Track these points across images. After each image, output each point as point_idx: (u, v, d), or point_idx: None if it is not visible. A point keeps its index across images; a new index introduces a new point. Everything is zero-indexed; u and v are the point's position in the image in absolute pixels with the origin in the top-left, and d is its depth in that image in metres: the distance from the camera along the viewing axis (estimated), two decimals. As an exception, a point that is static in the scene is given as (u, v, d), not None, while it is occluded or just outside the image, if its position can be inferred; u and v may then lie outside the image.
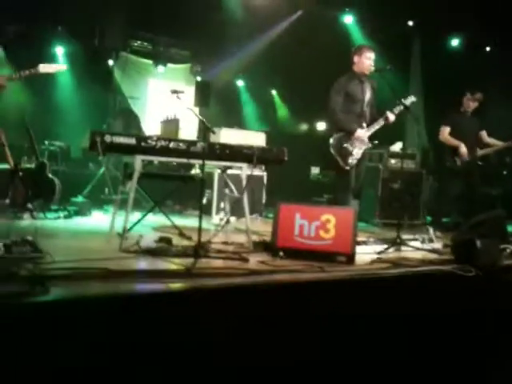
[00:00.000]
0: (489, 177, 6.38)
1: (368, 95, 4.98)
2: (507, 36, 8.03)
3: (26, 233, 3.21)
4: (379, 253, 4.09)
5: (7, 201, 5.03)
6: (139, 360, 2.37)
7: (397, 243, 4.35)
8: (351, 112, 4.92)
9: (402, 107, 4.78)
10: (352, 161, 4.86)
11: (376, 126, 4.93)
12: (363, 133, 4.88)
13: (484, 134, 6.08)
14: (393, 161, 6.70)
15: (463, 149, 5.84)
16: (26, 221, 4.85)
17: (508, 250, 4.25)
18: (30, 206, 5.03)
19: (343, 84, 4.91)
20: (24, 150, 5.53)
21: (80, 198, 5.92)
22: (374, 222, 6.49)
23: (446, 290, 3.41)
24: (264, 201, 6.53)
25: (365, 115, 4.97)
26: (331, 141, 4.89)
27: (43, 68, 3.57)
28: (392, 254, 4.17)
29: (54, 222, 4.96)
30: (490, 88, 6.83)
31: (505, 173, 7.79)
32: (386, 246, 4.28)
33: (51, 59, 7.63)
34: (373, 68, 4.89)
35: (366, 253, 4.07)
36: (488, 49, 9.27)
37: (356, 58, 4.94)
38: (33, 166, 5.38)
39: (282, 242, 3.69)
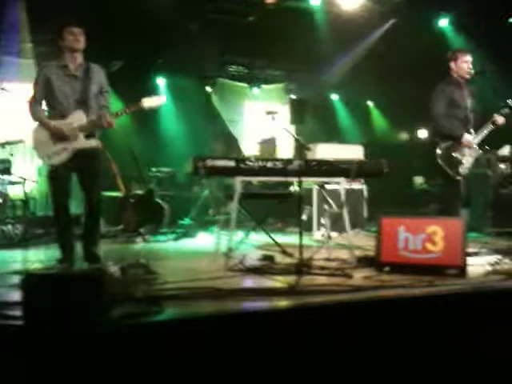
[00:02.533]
0: None
1: (469, 100, 4.75)
2: None
3: (139, 256, 3.41)
4: (493, 264, 3.85)
5: (120, 226, 5.39)
6: (253, 376, 2.41)
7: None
8: (456, 118, 4.72)
9: (509, 108, 4.51)
10: (463, 170, 4.65)
11: (484, 131, 4.68)
12: (471, 139, 4.65)
13: None
14: (502, 165, 6.30)
15: None
16: (138, 245, 5.16)
17: None
18: (141, 230, 5.34)
19: (445, 90, 4.73)
20: (133, 178, 5.89)
21: (186, 221, 6.19)
22: (486, 231, 6.12)
23: None
24: (366, 214, 6.40)
25: (469, 121, 4.74)
26: (438, 151, 4.69)
27: (146, 103, 3.81)
28: (507, 264, 3.91)
29: (164, 244, 5.23)
30: None
31: None
32: (500, 257, 4.02)
33: (153, 91, 8.10)
34: (472, 71, 4.67)
35: (479, 264, 3.84)
36: None
37: (453, 64, 4.75)
38: (142, 192, 5.72)
39: (386, 257, 3.60)
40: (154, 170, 6.98)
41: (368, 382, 2.63)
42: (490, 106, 4.75)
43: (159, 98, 3.94)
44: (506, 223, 5.76)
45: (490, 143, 6.41)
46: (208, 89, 9.35)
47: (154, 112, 8.42)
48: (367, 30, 8.72)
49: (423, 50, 7.89)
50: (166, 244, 5.24)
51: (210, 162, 3.84)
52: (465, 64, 4.69)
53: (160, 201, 5.82)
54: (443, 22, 8.57)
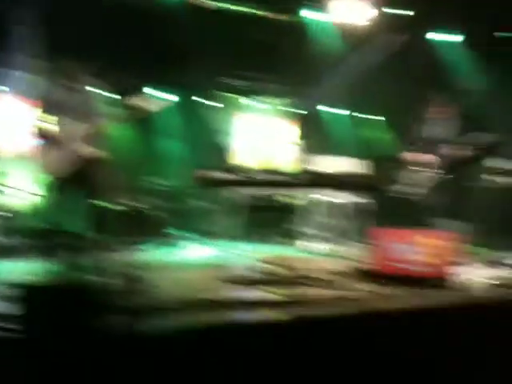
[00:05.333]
0: None
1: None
2: None
3: (132, 267, 3.41)
4: (487, 275, 3.86)
5: (114, 237, 5.37)
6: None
7: (506, 265, 4.09)
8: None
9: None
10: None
11: None
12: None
13: None
14: (499, 178, 6.31)
15: None
16: (132, 256, 5.14)
17: None
18: (136, 241, 5.33)
19: None
20: (130, 190, 5.89)
21: (183, 232, 6.19)
22: (483, 243, 6.11)
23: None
24: (363, 227, 6.39)
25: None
26: None
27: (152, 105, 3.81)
28: (501, 276, 3.91)
29: (159, 255, 5.22)
30: None
31: None
32: (494, 269, 4.04)
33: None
34: None
35: (471, 276, 3.85)
36: None
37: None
38: (138, 204, 5.72)
39: (380, 268, 3.62)
40: (150, 181, 6.98)
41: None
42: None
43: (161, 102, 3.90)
44: (500, 235, 5.76)
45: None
46: (207, 102, 9.40)
47: (150, 124, 8.50)
48: (369, 44, 8.76)
49: (426, 67, 7.93)
50: (162, 255, 5.24)
51: (208, 174, 3.87)
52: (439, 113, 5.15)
53: (156, 212, 5.84)
54: (449, 38, 8.52)
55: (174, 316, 2.66)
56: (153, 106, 3.93)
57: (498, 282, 3.63)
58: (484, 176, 6.33)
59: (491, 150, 5.51)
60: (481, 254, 5.09)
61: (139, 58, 7.11)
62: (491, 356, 2.89)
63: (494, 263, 4.21)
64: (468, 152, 5.08)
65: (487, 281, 3.70)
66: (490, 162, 6.39)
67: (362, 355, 2.68)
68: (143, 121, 3.90)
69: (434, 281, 3.50)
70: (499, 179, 6.26)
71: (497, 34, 7.55)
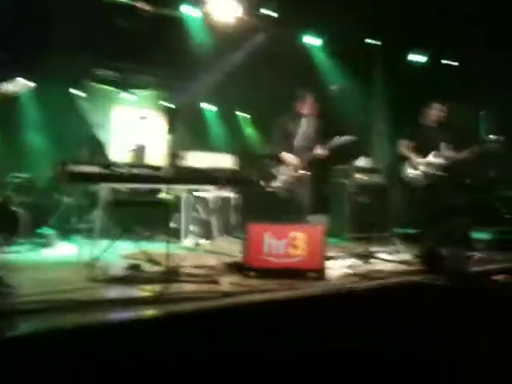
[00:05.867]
0: (453, 187, 6.51)
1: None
2: (469, 51, 8.29)
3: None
4: (349, 267, 4.13)
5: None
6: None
7: (366, 256, 4.41)
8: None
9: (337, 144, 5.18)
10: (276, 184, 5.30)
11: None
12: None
13: (443, 145, 6.17)
14: (358, 175, 6.80)
15: (416, 160, 5.93)
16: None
17: (474, 257, 4.36)
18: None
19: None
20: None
21: (46, 229, 5.81)
22: (345, 237, 6.55)
23: (416, 299, 3.46)
24: (236, 222, 6.51)
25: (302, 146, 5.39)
26: None
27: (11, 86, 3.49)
28: (363, 267, 4.22)
29: (20, 255, 4.86)
30: (454, 102, 7.00)
31: (468, 182, 7.99)
32: (356, 260, 4.33)
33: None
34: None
35: (337, 268, 4.10)
36: (451, 63, 9.53)
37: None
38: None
39: (252, 262, 3.70)
40: (11, 175, 6.47)
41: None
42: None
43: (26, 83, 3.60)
44: (362, 229, 6.22)
45: (349, 155, 6.94)
46: (75, 92, 8.91)
47: (12, 114, 7.87)
48: (241, 42, 8.93)
49: (292, 66, 8.27)
50: (23, 254, 4.87)
51: (73, 167, 3.66)
52: (305, 107, 5.38)
53: (16, 208, 5.41)
54: (310, 40, 9.03)
55: (40, 317, 2.48)
56: (12, 90, 3.60)
57: (363, 274, 3.88)
58: (350, 174, 6.81)
59: (351, 149, 5.88)
60: (347, 247, 5.45)
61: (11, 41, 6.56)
62: (354, 342, 3.09)
63: (359, 256, 4.50)
64: (328, 150, 5.29)
65: (353, 272, 3.96)
66: (355, 161, 6.88)
67: (232, 347, 2.71)
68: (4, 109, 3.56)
69: (306, 273, 3.65)
70: (361, 176, 6.74)
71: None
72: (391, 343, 3.23)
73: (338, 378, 2.96)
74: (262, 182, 5.27)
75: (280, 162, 5.36)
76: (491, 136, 6.15)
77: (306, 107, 5.42)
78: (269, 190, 5.26)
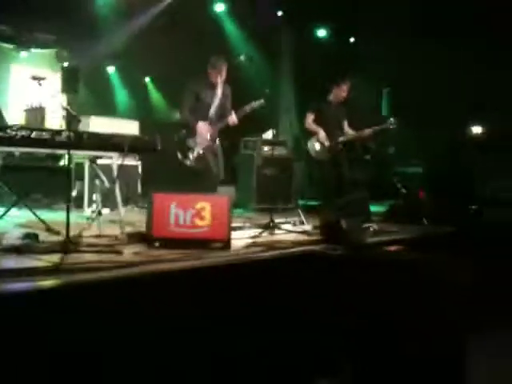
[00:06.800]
0: (354, 162, 6.79)
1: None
2: (370, 27, 8.59)
3: None
4: (253, 237, 4.21)
5: None
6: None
7: (270, 227, 4.51)
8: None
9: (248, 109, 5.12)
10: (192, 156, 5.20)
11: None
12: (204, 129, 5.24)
13: (345, 123, 6.39)
14: (266, 148, 6.90)
15: (321, 134, 6.11)
16: None
17: (371, 229, 4.60)
18: None
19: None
20: None
21: None
22: (251, 207, 6.66)
23: (315, 268, 3.60)
24: (140, 191, 6.38)
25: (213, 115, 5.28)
26: None
27: None
28: (266, 237, 4.32)
29: None
30: (356, 77, 7.25)
31: (368, 158, 8.39)
32: (260, 231, 4.42)
33: None
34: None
35: (242, 238, 4.16)
36: (353, 39, 9.85)
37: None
38: None
39: (157, 232, 3.65)
40: None
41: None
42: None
43: None
44: (267, 201, 6.35)
45: (257, 128, 7.00)
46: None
47: None
48: (147, 4, 8.62)
49: (200, 31, 8.14)
50: None
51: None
52: (218, 76, 5.18)
53: None
54: (219, 8, 8.92)
55: None
56: None
57: (266, 244, 3.97)
58: (258, 146, 6.88)
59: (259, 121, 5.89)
60: (253, 218, 5.54)
61: None
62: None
63: (263, 226, 4.59)
64: (240, 118, 5.19)
65: (257, 242, 4.04)
66: (263, 134, 6.96)
67: (139, 318, 2.68)
68: None
69: (211, 243, 3.66)
70: (268, 149, 6.84)
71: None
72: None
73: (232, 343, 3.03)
74: (179, 155, 5.12)
75: (193, 131, 5.22)
76: (392, 116, 6.47)
77: (221, 75, 5.26)
78: (187, 163, 5.13)
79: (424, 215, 5.42)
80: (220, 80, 5.21)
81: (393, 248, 4.26)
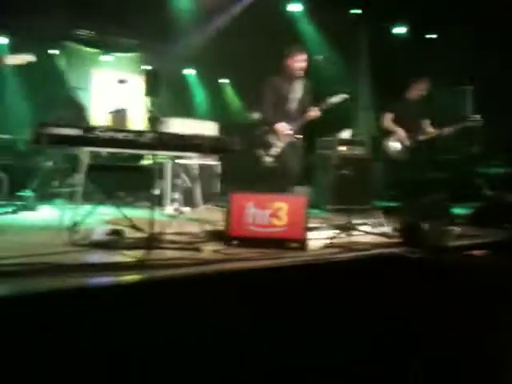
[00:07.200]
0: (434, 162, 6.57)
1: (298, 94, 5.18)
2: (451, 24, 8.26)
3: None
4: (330, 238, 4.17)
5: None
6: (90, 360, 2.33)
7: (348, 228, 4.45)
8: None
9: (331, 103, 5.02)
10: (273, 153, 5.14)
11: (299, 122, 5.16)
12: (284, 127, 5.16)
13: (426, 122, 6.18)
14: (343, 148, 6.81)
15: (401, 134, 5.94)
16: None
17: (453, 232, 4.42)
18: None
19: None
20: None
21: (27, 192, 5.74)
22: (327, 208, 6.59)
23: (393, 271, 3.51)
24: (219, 190, 6.50)
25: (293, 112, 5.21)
26: None
27: (10, 59, 3.41)
28: (343, 238, 4.26)
29: (0, 217, 4.80)
30: (436, 75, 7.00)
31: (449, 157, 8.06)
32: (337, 232, 4.37)
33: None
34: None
35: (319, 238, 4.13)
36: (434, 36, 9.51)
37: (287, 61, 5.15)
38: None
39: (235, 231, 3.71)
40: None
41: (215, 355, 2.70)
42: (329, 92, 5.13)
43: (27, 57, 3.53)
44: (343, 201, 6.26)
45: (334, 127, 6.92)
46: (54, 52, 8.69)
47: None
48: (223, 8, 8.77)
49: (276, 33, 8.16)
50: (3, 217, 4.81)
51: (53, 130, 3.58)
52: (297, 63, 4.96)
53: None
54: (295, 8, 8.91)
55: (16, 280, 2.46)
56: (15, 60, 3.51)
57: (343, 245, 3.92)
58: (334, 146, 6.81)
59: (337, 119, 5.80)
60: (329, 219, 5.49)
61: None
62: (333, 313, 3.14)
63: (340, 227, 4.54)
64: (321, 112, 5.09)
65: (333, 243, 4.00)
66: (339, 133, 6.87)
67: (216, 315, 2.73)
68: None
69: (288, 243, 3.67)
70: (345, 149, 6.75)
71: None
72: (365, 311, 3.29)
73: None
74: (260, 152, 5.09)
75: (273, 129, 5.16)
76: (474, 115, 6.19)
77: (299, 64, 5.08)
78: (267, 160, 5.09)
79: (508, 219, 5.14)
80: (298, 69, 5.05)
81: (475, 252, 4.08)
